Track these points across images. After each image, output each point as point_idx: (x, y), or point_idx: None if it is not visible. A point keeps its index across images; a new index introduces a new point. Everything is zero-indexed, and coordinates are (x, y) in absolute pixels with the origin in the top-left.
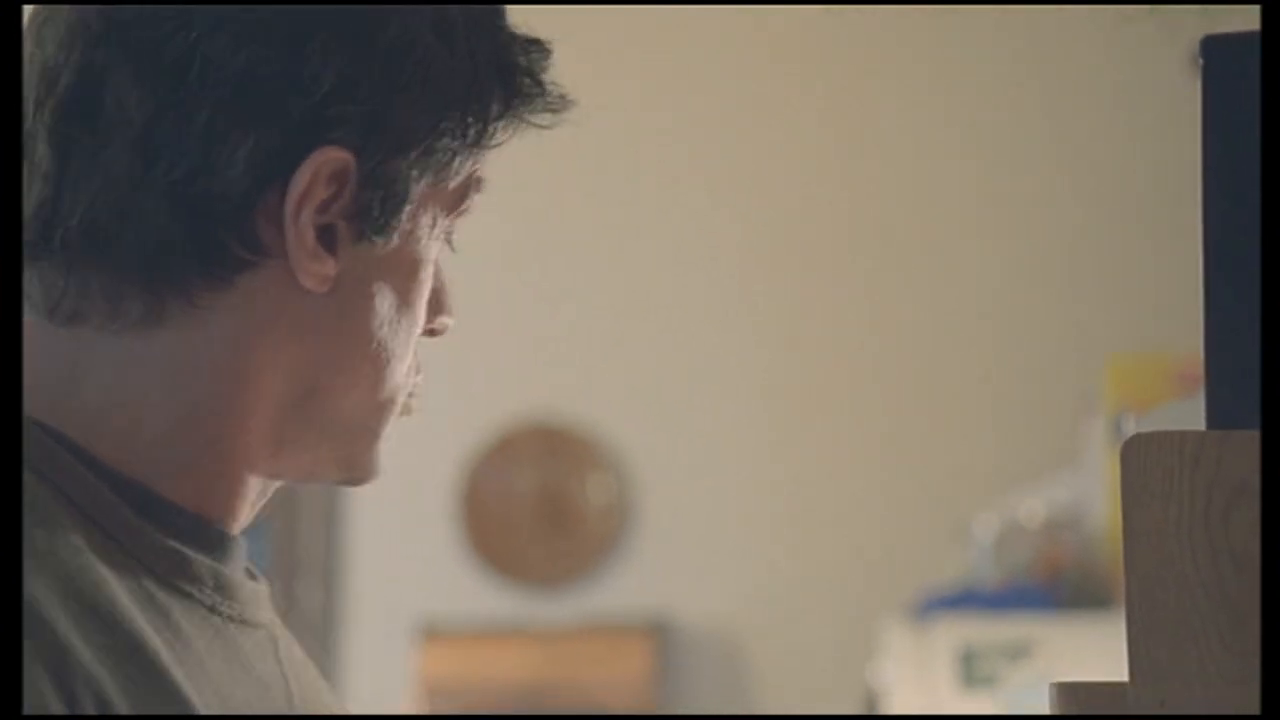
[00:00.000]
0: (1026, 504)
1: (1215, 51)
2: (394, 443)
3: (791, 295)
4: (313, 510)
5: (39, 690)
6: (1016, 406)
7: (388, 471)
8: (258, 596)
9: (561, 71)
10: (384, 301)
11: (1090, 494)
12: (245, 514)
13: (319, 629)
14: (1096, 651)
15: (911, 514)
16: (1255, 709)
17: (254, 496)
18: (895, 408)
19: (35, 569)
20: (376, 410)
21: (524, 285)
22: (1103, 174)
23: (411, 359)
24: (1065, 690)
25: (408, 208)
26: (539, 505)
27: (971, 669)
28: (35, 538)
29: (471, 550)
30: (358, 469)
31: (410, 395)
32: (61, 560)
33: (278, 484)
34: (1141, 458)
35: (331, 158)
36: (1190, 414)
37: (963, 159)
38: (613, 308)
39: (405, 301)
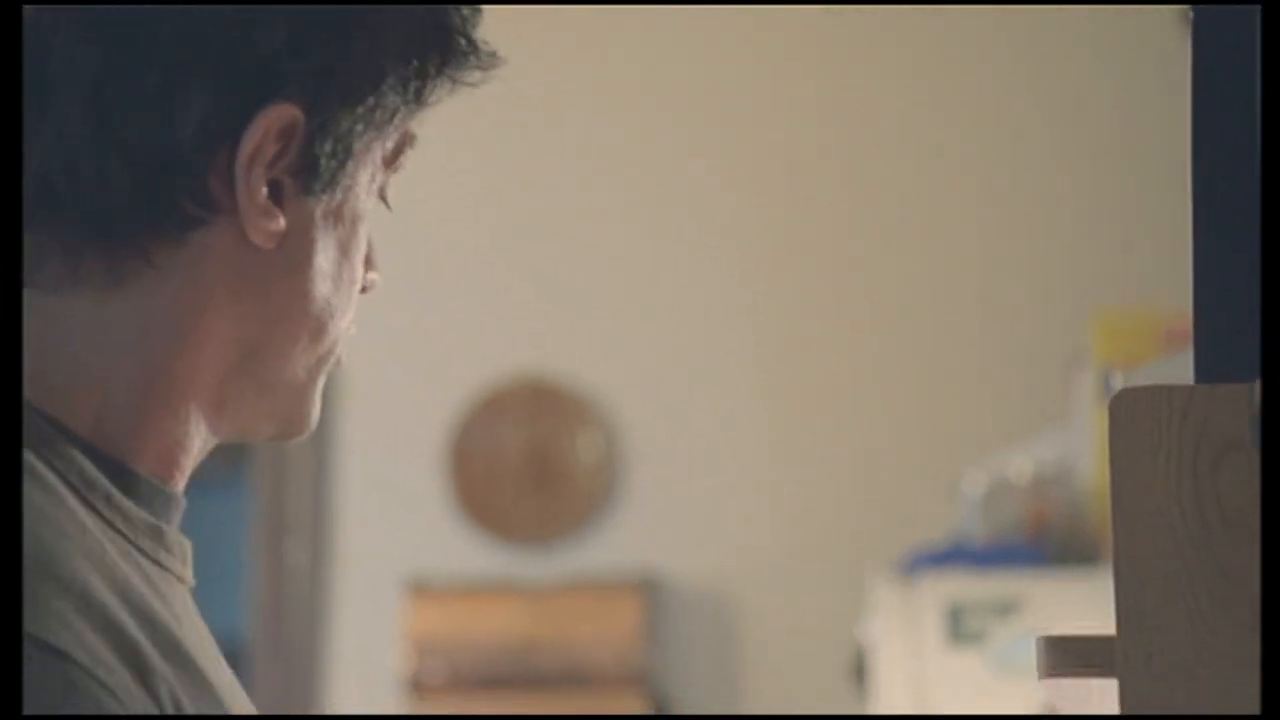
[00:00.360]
0: (1015, 461)
1: (1205, 5)
2: (383, 399)
3: (781, 256)
4: (301, 467)
5: (135, 696)
6: (1005, 364)
7: (377, 428)
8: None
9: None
10: (327, 256)
11: (1078, 451)
12: (188, 473)
13: (307, 586)
14: (1084, 607)
15: (900, 471)
16: (1242, 661)
17: (197, 456)
18: (884, 366)
19: (90, 567)
20: (315, 364)
21: (513, 242)
22: (1091, 131)
23: (352, 313)
24: (1052, 643)
25: (351, 163)
26: (528, 462)
27: (959, 625)
28: (71, 533)
29: (460, 507)
30: (294, 424)
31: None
32: (99, 558)
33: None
34: (1130, 412)
35: (282, 114)
36: (1178, 369)
37: (951, 117)
38: (602, 265)
39: (346, 256)
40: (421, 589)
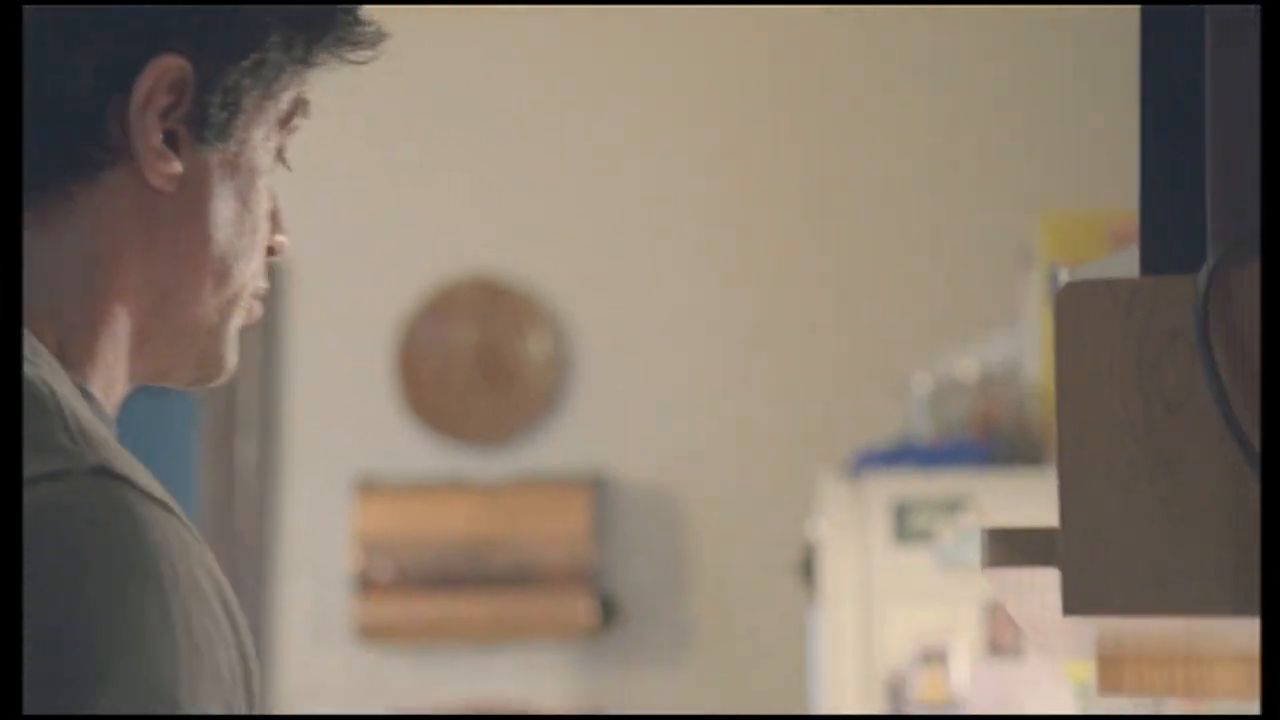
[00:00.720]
0: (962, 360)
1: None
2: (333, 298)
3: (731, 159)
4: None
5: (213, 613)
6: (953, 263)
7: (327, 325)
8: None
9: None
10: (225, 204)
11: (1025, 351)
12: (117, 409)
13: (257, 485)
14: (1030, 506)
15: (848, 370)
16: (1185, 550)
17: (123, 392)
18: (832, 264)
19: (147, 497)
20: (225, 307)
21: (462, 139)
22: (1036, 35)
23: (258, 263)
24: (996, 536)
25: (242, 116)
26: (477, 361)
27: (906, 523)
28: (121, 456)
29: (410, 406)
30: (208, 367)
31: (254, 297)
32: (137, 483)
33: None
34: (1075, 305)
35: (170, 65)
36: (1123, 266)
37: (900, 23)
38: (552, 164)
39: (246, 205)
40: (371, 487)
